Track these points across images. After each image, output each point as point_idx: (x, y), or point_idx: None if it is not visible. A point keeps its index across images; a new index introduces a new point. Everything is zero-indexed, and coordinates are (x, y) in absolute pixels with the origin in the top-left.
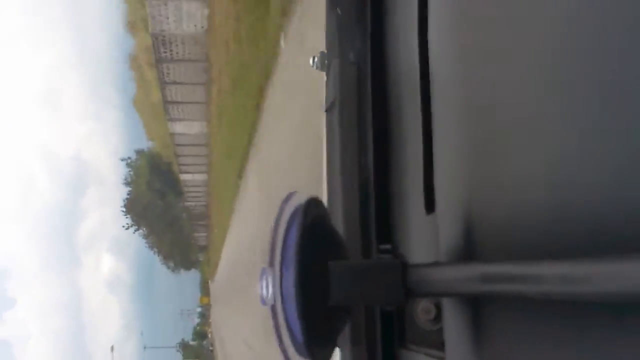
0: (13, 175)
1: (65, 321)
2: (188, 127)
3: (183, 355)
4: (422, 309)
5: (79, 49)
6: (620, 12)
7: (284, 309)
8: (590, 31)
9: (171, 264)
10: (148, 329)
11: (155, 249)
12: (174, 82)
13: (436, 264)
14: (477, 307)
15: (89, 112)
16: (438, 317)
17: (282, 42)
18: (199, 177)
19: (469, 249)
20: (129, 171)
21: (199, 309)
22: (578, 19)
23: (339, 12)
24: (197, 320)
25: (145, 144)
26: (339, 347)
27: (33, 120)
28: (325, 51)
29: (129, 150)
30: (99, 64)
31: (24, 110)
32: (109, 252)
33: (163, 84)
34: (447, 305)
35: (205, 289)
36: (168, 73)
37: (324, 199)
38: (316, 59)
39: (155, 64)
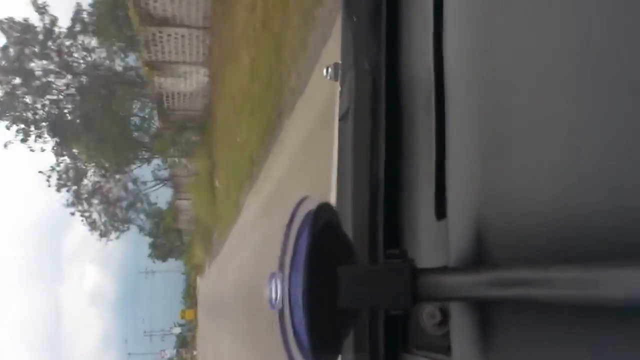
0: None
1: (43, 334)
2: None
3: None
4: (428, 314)
5: None
6: (635, 18)
7: (291, 314)
8: (605, 36)
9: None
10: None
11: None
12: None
13: (445, 268)
14: (485, 311)
15: None
16: (444, 322)
17: None
18: None
19: (479, 255)
20: None
21: (176, 330)
22: (594, 24)
23: (355, 20)
24: (168, 355)
25: None
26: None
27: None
28: (340, 62)
29: None
30: None
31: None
32: (93, 263)
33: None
34: (454, 309)
35: (190, 296)
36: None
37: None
38: (330, 70)
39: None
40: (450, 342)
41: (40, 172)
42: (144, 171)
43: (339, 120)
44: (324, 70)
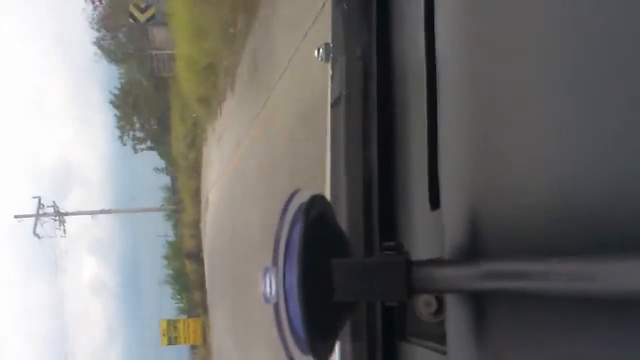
0: None
1: (46, 326)
2: None
3: None
4: (423, 302)
5: (61, 49)
6: (629, 13)
7: (287, 307)
8: (598, 30)
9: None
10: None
11: None
12: None
13: (440, 261)
14: (480, 301)
15: (70, 113)
16: (439, 310)
17: None
18: None
19: (474, 246)
20: None
21: None
22: (587, 17)
23: (345, 6)
24: None
25: None
26: (338, 340)
27: (14, 123)
28: (331, 44)
29: (111, 150)
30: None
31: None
32: (91, 254)
33: None
34: (449, 298)
35: (184, 282)
36: None
37: (327, 195)
38: (321, 51)
39: None
40: (446, 332)
41: None
42: None
43: (331, 106)
44: (316, 52)
